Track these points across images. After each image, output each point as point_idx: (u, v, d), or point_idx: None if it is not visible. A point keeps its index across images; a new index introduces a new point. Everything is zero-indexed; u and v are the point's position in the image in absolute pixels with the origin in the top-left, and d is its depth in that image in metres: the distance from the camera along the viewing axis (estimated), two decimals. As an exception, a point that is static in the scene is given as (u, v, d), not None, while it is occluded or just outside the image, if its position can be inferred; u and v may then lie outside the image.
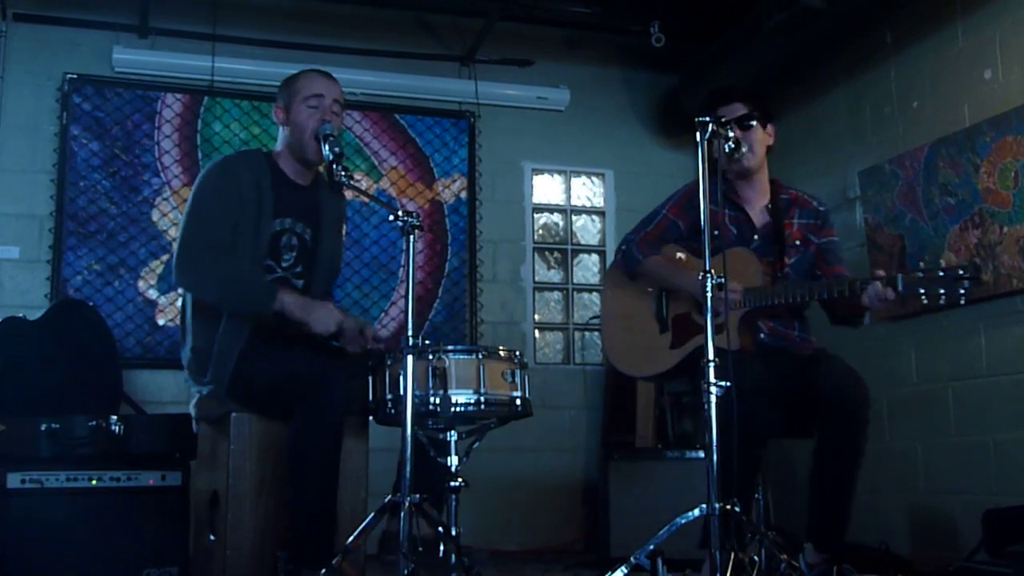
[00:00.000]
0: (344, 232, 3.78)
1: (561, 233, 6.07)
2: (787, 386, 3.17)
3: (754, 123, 3.40)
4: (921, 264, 2.98)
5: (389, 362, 3.05)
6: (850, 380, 3.17)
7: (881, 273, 3.02)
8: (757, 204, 3.48)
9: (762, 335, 3.32)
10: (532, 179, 6.01)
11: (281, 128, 3.42)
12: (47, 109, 5.17)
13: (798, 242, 3.41)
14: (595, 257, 6.09)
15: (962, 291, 2.85)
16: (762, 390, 3.03)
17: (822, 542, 3.11)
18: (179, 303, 5.09)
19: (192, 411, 3.42)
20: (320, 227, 3.44)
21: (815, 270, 3.47)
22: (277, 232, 3.32)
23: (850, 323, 3.42)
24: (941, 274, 2.88)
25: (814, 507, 3.18)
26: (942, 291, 2.87)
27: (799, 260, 3.40)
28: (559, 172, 6.09)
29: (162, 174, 5.29)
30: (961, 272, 2.84)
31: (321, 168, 3.39)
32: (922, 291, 2.91)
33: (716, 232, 3.28)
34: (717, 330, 3.25)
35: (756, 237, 3.43)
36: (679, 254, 3.49)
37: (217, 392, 3.22)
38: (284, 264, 3.35)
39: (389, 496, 2.83)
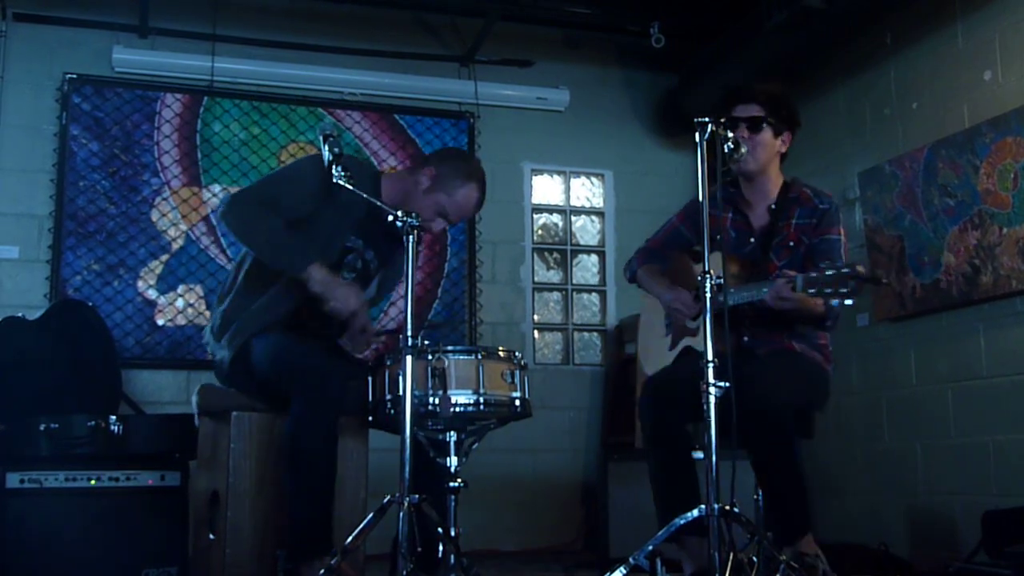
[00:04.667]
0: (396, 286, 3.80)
1: (560, 234, 6.07)
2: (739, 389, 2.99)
3: (764, 127, 3.32)
4: (822, 265, 2.88)
5: (388, 363, 3.05)
6: (756, 398, 2.94)
7: (791, 273, 2.93)
8: (760, 206, 3.43)
9: (745, 338, 3.29)
10: (531, 179, 6.01)
11: (418, 178, 3.34)
12: (47, 109, 5.17)
13: (792, 243, 3.34)
14: (594, 258, 6.09)
15: (845, 290, 2.73)
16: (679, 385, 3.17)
17: (780, 538, 3.09)
18: (179, 303, 5.12)
19: (194, 401, 3.42)
20: (386, 263, 3.48)
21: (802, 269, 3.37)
22: (348, 248, 3.35)
23: (813, 324, 3.30)
24: (829, 273, 2.77)
25: (770, 512, 3.15)
26: (829, 291, 2.76)
27: (791, 262, 3.30)
28: (558, 172, 6.09)
29: (161, 174, 5.29)
30: (846, 271, 2.73)
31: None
32: (812, 291, 2.81)
33: (718, 236, 3.27)
34: (694, 333, 3.31)
35: (752, 240, 3.40)
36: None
37: (223, 360, 3.26)
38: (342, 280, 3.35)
39: (388, 496, 2.83)
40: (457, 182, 3.36)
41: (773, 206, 3.41)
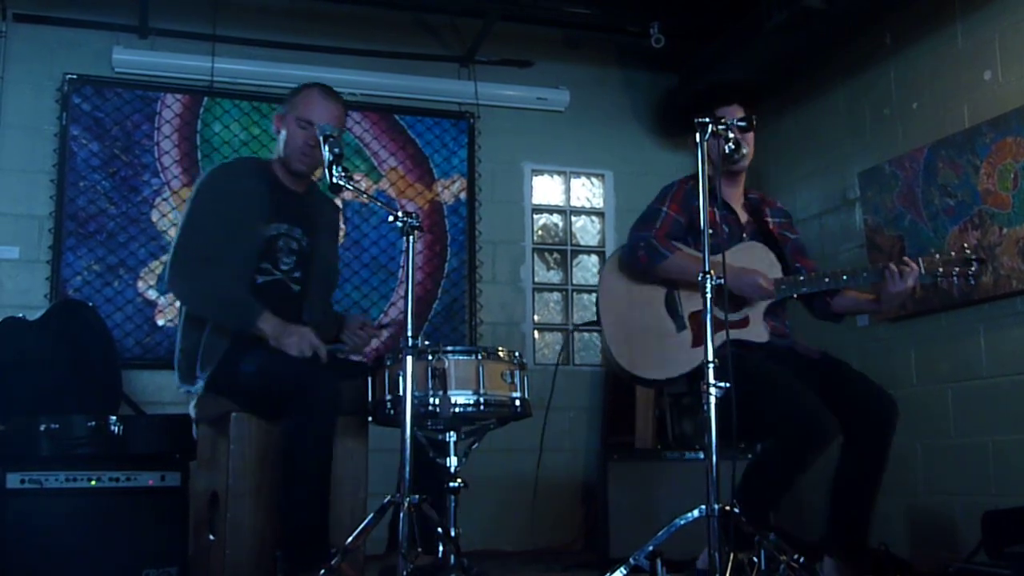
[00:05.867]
0: (339, 240, 3.86)
1: (560, 234, 6.07)
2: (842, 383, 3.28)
3: (754, 125, 3.40)
4: (932, 250, 3.30)
5: (388, 363, 3.05)
6: (882, 396, 3.30)
7: (906, 259, 3.27)
8: (736, 204, 3.56)
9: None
10: (532, 180, 6.01)
11: (334, 138, 3.31)
12: (47, 109, 5.17)
13: (776, 240, 3.52)
14: (594, 258, 6.09)
15: (972, 271, 3.26)
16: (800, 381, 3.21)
17: (850, 553, 3.11)
18: (177, 304, 5.12)
19: (192, 412, 3.42)
20: (315, 234, 3.50)
21: (794, 264, 3.53)
22: (273, 236, 3.36)
23: (832, 318, 3.54)
24: (952, 256, 3.28)
25: (839, 518, 3.17)
26: (957, 270, 3.23)
27: (779, 257, 3.50)
28: (559, 173, 6.09)
29: (161, 174, 5.29)
30: (968, 252, 3.26)
31: (317, 174, 3.41)
32: (940, 271, 3.26)
33: (712, 231, 3.30)
34: (741, 324, 3.30)
35: (745, 235, 3.50)
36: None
37: (207, 386, 3.25)
38: (283, 267, 3.39)
39: (388, 496, 2.83)
40: (295, 97, 3.49)
41: (744, 204, 3.58)
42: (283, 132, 3.45)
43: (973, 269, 3.27)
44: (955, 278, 3.27)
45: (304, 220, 3.46)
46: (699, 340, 3.26)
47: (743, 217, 3.55)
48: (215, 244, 3.26)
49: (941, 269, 3.27)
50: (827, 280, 3.34)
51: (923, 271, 3.26)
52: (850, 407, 3.17)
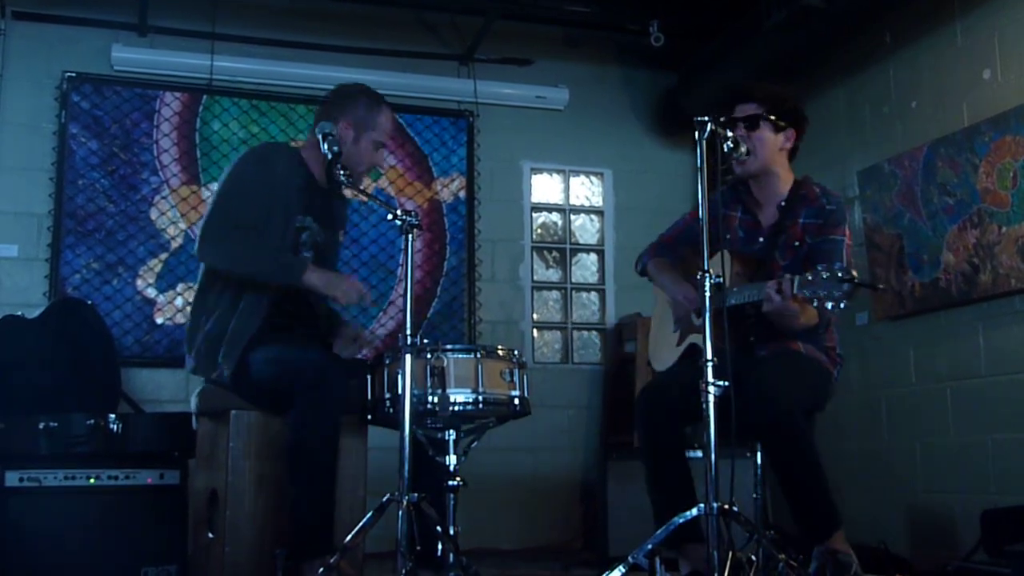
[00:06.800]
0: (342, 236, 3.85)
1: (560, 232, 6.07)
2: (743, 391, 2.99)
3: (761, 124, 3.30)
4: (819, 268, 2.86)
5: (387, 361, 3.05)
6: (766, 396, 3.00)
7: (787, 276, 2.93)
8: (770, 205, 3.39)
9: (752, 338, 3.26)
10: (531, 178, 6.01)
11: (333, 136, 3.26)
12: (46, 107, 5.17)
13: (797, 243, 3.32)
14: (593, 256, 6.09)
15: (839, 294, 2.73)
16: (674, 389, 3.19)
17: (812, 536, 3.10)
18: (178, 301, 5.13)
19: (193, 402, 3.42)
20: (332, 231, 3.53)
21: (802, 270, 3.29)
22: (299, 228, 3.37)
23: (804, 329, 3.26)
24: (824, 276, 2.76)
25: (791, 510, 3.15)
26: (823, 293, 2.75)
27: (794, 261, 3.29)
28: (558, 171, 6.09)
29: (160, 173, 5.29)
30: (840, 275, 2.73)
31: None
32: (805, 293, 2.81)
33: (728, 236, 3.28)
34: (701, 330, 3.25)
35: (762, 239, 3.36)
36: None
37: (223, 376, 3.24)
38: None
39: (388, 495, 2.84)
40: (373, 114, 3.43)
41: (783, 203, 3.37)
42: (347, 140, 3.35)
43: (842, 291, 2.73)
44: (825, 299, 2.76)
45: (326, 216, 3.48)
46: (681, 340, 3.46)
47: (768, 220, 3.38)
48: (251, 218, 3.25)
49: (806, 292, 2.81)
50: (734, 294, 3.09)
51: (794, 290, 2.87)
52: (750, 416, 2.95)
